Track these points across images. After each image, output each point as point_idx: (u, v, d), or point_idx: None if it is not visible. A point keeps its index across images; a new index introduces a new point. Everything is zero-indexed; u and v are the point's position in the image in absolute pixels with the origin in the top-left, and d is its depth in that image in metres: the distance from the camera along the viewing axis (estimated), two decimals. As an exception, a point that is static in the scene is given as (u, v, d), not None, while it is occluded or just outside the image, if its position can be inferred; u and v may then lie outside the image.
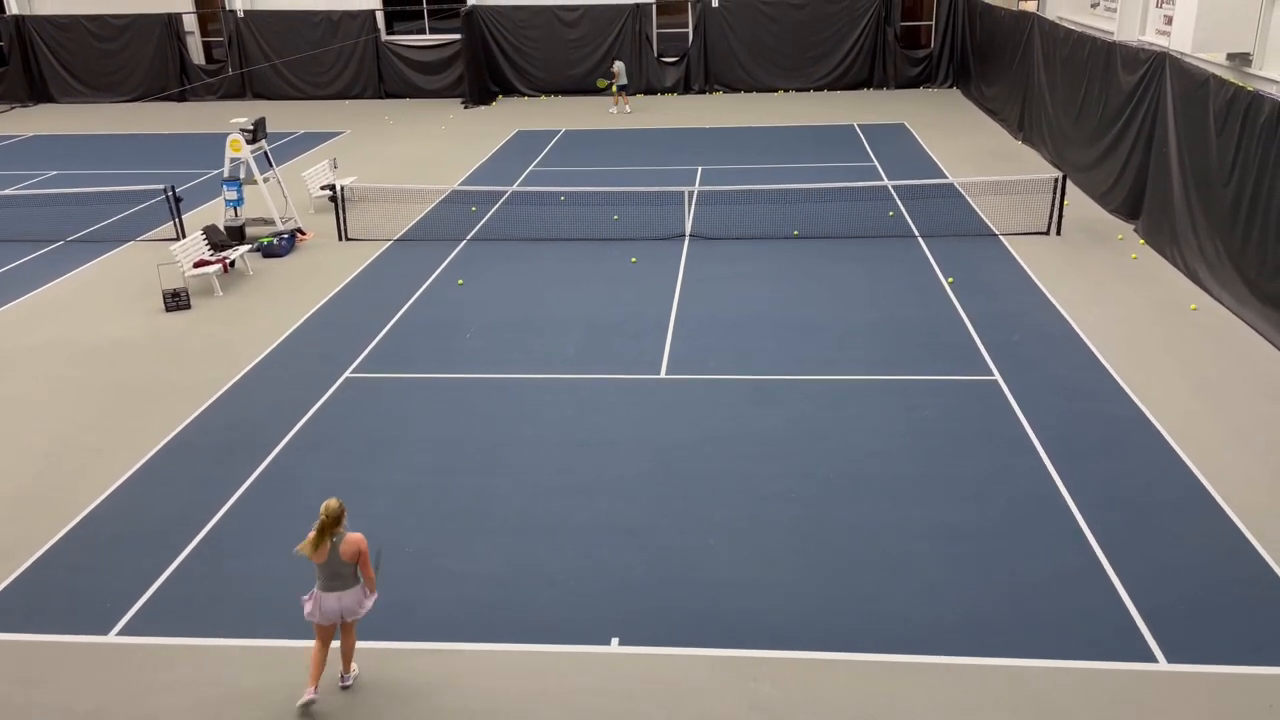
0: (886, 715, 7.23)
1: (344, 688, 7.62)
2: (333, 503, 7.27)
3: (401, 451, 10.99)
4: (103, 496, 10.29)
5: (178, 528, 9.71)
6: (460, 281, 16.24)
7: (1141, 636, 7.88)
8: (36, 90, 36.01)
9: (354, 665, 7.74)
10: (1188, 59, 15.90)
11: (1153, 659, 7.65)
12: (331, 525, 7.21)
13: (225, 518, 9.86)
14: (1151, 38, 18.66)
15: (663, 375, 12.63)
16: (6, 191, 22.02)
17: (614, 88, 30.18)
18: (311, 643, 7.87)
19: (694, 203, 20.23)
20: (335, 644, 7.79)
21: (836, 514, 9.59)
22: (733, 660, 7.79)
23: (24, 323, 15.11)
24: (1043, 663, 7.65)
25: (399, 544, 9.34)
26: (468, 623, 8.28)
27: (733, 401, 11.87)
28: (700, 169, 23.34)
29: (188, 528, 9.71)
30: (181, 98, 35.36)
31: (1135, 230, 17.54)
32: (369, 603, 7.52)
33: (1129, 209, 17.94)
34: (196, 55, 35.54)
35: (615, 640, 8.04)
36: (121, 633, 8.29)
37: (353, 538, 7.35)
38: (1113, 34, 20.07)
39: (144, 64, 35.29)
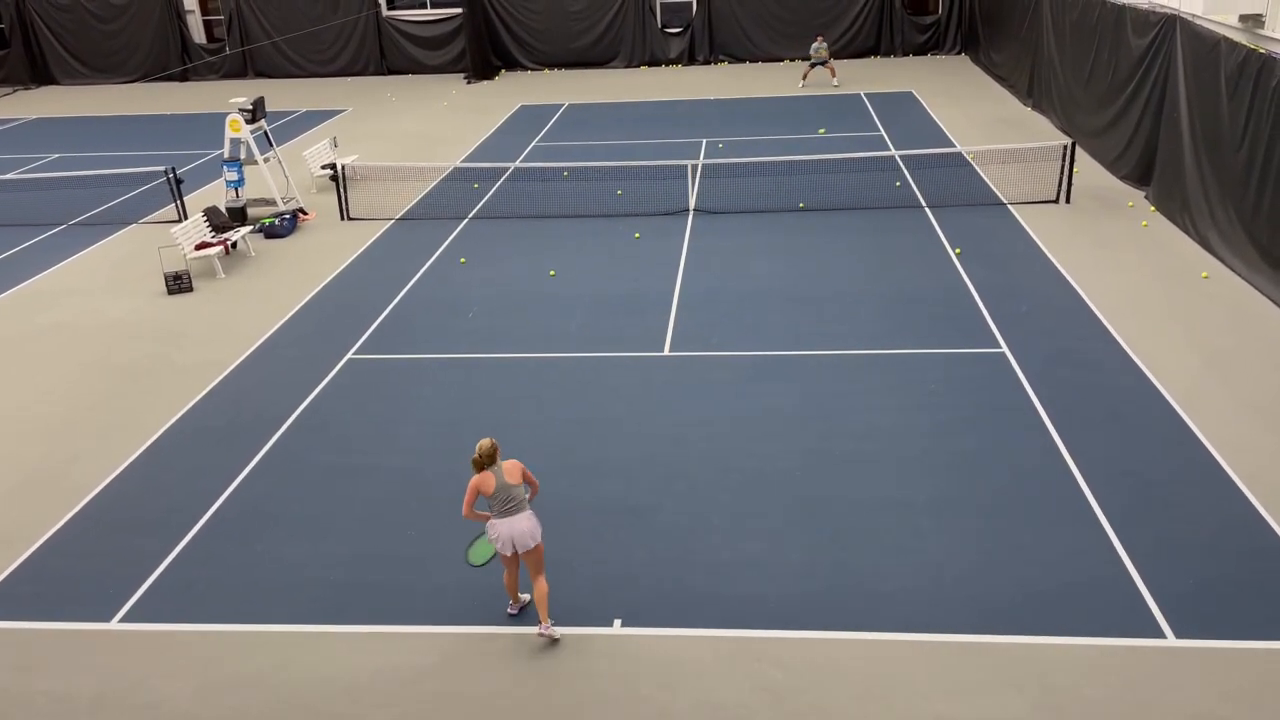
0: (892, 694, 7.17)
1: (541, 635, 7.75)
2: (485, 441, 7.66)
3: (404, 433, 10.93)
4: (106, 481, 10.27)
5: (180, 513, 9.69)
6: (463, 260, 16.12)
7: (1149, 611, 7.79)
8: (38, 72, 35.91)
9: (550, 622, 7.78)
10: (1199, 21, 15.59)
11: (1161, 635, 7.56)
12: (487, 461, 7.61)
13: (227, 502, 9.83)
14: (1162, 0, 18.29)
15: (666, 352, 12.52)
16: (9, 175, 21.96)
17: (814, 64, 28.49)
18: (323, 627, 7.85)
19: (698, 176, 20.03)
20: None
21: (841, 491, 9.50)
22: (736, 641, 7.73)
23: (28, 307, 15.08)
24: (1049, 639, 7.56)
25: (402, 527, 9.29)
26: (470, 605, 8.24)
27: (737, 378, 11.76)
28: (705, 141, 23.11)
29: (190, 513, 9.69)
30: (183, 77, 35.20)
31: (1146, 197, 17.29)
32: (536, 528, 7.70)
33: (1139, 175, 17.68)
34: (197, 34, 35.34)
35: (618, 621, 7.99)
36: (124, 619, 8.28)
37: (511, 463, 7.73)
38: (1123, -3, 19.67)
39: (145, 44, 35.12)
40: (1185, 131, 15.54)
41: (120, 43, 35.28)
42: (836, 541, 8.80)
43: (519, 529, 7.60)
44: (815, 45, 28.76)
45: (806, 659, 7.52)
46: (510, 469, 7.67)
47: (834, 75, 28.81)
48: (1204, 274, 14.04)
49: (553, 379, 11.97)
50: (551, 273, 15.35)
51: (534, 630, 7.86)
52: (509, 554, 7.69)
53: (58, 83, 36.00)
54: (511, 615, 8.08)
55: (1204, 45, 14.90)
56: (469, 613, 8.17)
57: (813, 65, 28.65)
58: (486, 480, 7.61)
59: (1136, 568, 8.28)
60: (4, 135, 27.95)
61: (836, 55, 32.47)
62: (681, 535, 8.99)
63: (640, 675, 7.45)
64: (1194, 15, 15.81)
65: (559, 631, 7.79)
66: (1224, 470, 9.52)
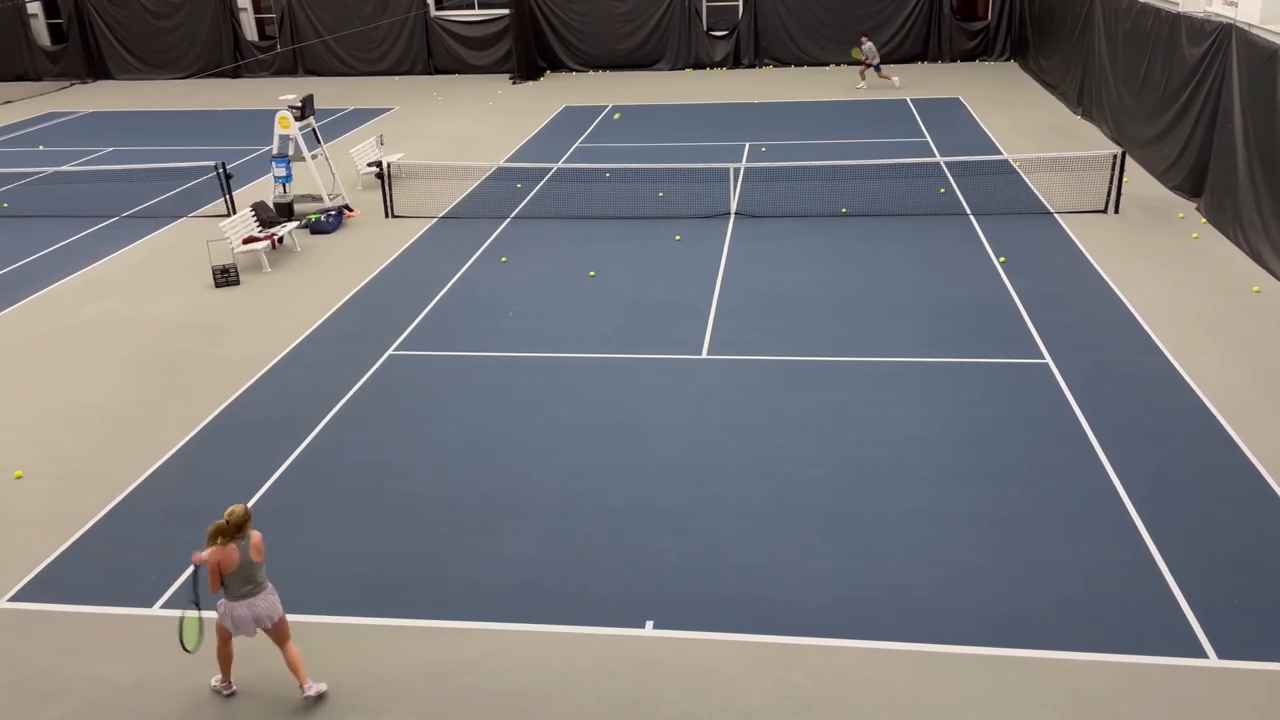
0: (922, 707, 7.10)
1: (306, 698, 7.28)
2: (238, 508, 6.97)
3: (440, 430, 11.01)
4: (149, 471, 10.46)
5: (221, 503, 9.82)
6: (504, 259, 16.22)
7: (1192, 631, 7.64)
8: (95, 67, 36.68)
9: (310, 681, 7.33)
10: (1255, 30, 15.28)
11: (1203, 655, 7.41)
12: (235, 531, 6.93)
13: (266, 495, 9.97)
14: (1218, 9, 17.96)
15: (704, 355, 12.50)
16: (65, 168, 22.45)
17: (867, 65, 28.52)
18: (343, 619, 7.91)
19: (740, 180, 19.98)
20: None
21: (875, 500, 9.43)
22: (766, 647, 7.70)
23: (78, 298, 15.40)
24: (1087, 657, 7.45)
25: (435, 523, 9.37)
26: (500, 602, 8.28)
27: (774, 383, 11.71)
28: (748, 145, 23.05)
29: (229, 504, 9.80)
30: (235, 74, 35.77)
31: (1197, 209, 16.98)
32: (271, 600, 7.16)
33: (1191, 186, 17.36)
34: (250, 32, 35.87)
35: (650, 624, 7.99)
36: (165, 606, 8.43)
37: (257, 536, 7.14)
38: (1177, 5, 19.35)
39: (199, 41, 35.74)
40: (1239, 142, 15.24)
41: (175, 39, 35.94)
42: (870, 550, 8.73)
43: (260, 609, 7.05)
44: (864, 47, 28.48)
45: (836, 668, 7.47)
46: (257, 543, 7.02)
47: (883, 77, 28.68)
48: (1255, 288, 13.75)
49: (589, 380, 12.00)
50: (591, 274, 15.39)
51: (297, 692, 7.34)
52: (252, 635, 7.14)
53: (113, 77, 36.75)
54: (227, 696, 7.43)
55: (1260, 55, 14.60)
56: (499, 610, 8.21)
57: (867, 66, 28.44)
58: (230, 556, 6.87)
59: (1179, 585, 8.12)
60: (60, 128, 28.57)
61: (885, 60, 32.18)
62: (713, 539, 8.97)
63: (668, 678, 7.44)
64: (1250, 25, 15.51)
65: (323, 685, 7.33)
66: (1271, 488, 9.31)
